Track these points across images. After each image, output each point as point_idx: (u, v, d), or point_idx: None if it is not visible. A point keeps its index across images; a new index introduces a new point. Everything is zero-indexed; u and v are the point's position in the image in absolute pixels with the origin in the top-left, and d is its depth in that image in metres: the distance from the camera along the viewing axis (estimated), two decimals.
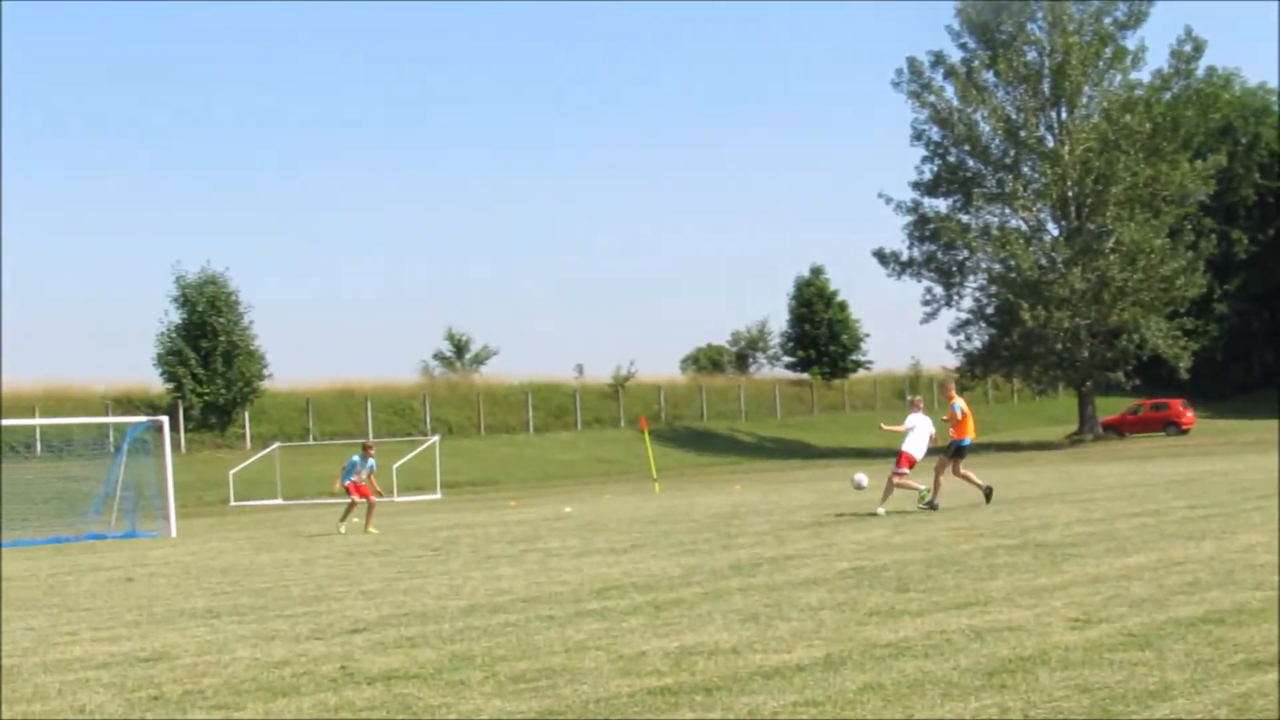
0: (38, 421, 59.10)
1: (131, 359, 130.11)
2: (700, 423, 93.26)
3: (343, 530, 33.95)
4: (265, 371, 75.71)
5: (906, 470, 30.82)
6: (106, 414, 66.79)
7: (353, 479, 34.84)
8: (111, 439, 53.50)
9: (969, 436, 31.01)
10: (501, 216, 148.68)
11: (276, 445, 63.84)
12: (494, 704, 10.83)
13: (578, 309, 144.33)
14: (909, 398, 35.82)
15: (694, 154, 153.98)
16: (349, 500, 34.88)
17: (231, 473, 58.91)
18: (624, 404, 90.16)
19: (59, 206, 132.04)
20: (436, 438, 63.53)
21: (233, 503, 56.03)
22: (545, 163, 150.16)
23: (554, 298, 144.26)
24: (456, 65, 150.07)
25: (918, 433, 31.16)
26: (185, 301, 73.71)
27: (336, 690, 11.72)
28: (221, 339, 72.93)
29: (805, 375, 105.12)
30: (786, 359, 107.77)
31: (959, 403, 31.15)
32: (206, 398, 72.23)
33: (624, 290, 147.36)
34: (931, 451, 31.41)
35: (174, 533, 38.64)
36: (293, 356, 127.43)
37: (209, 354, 72.62)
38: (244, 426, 73.99)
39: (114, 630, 16.51)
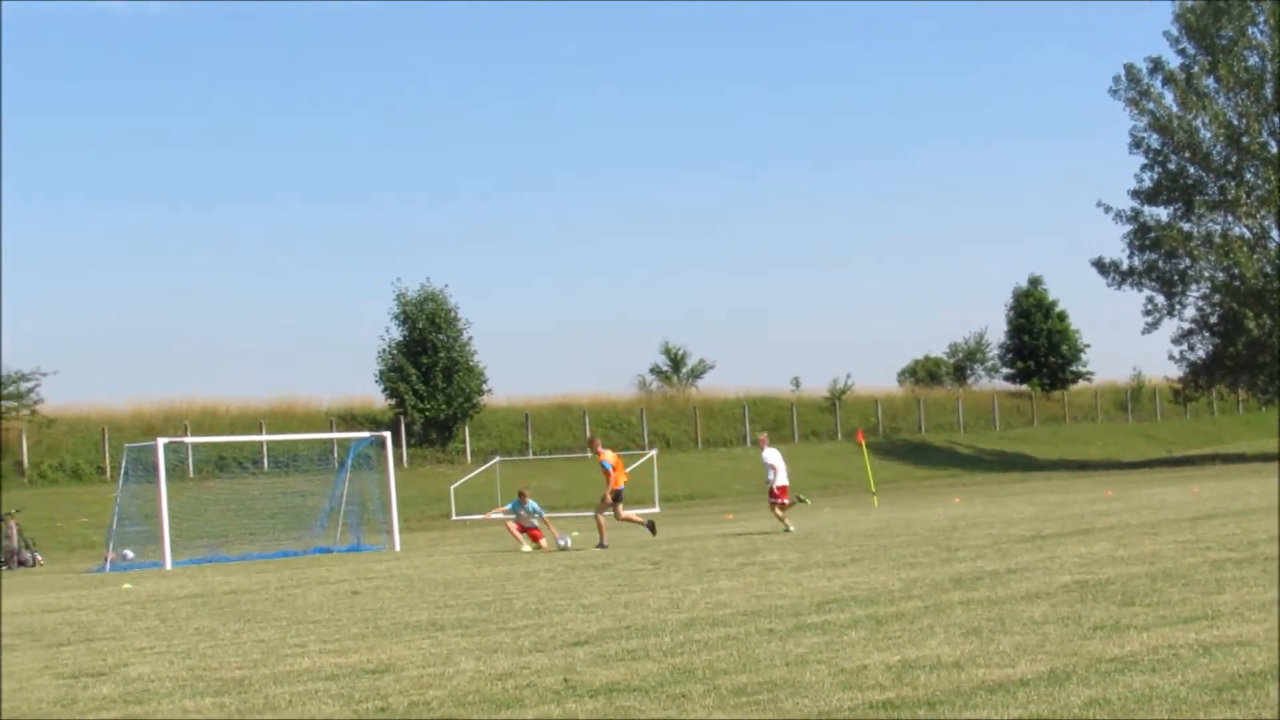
0: (265, 438, 60.16)
1: (354, 375, 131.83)
2: (918, 435, 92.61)
3: (527, 549, 34.09)
4: (485, 387, 76.28)
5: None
6: (331, 430, 67.76)
7: (516, 521, 35.22)
8: (336, 454, 54.34)
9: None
10: (718, 229, 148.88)
11: (497, 459, 64.35)
12: (715, 717, 10.86)
13: (795, 322, 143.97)
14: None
15: (910, 163, 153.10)
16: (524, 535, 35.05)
17: (453, 487, 59.47)
18: (841, 417, 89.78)
19: (283, 226, 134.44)
20: (654, 452, 63.68)
21: (454, 517, 56.58)
22: (760, 175, 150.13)
23: (771, 310, 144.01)
24: (670, 86, 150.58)
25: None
26: (406, 318, 74.53)
27: (559, 702, 11.80)
28: (442, 355, 73.62)
29: (1024, 387, 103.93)
30: (1005, 370, 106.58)
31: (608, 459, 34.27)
32: (428, 413, 72.98)
33: (841, 302, 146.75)
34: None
35: (398, 546, 39.16)
36: (512, 372, 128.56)
37: (430, 370, 73.36)
38: (464, 441, 74.66)
39: (341, 643, 16.76)
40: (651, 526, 34.96)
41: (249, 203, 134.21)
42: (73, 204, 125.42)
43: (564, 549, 33.30)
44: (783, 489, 36.15)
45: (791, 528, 34.71)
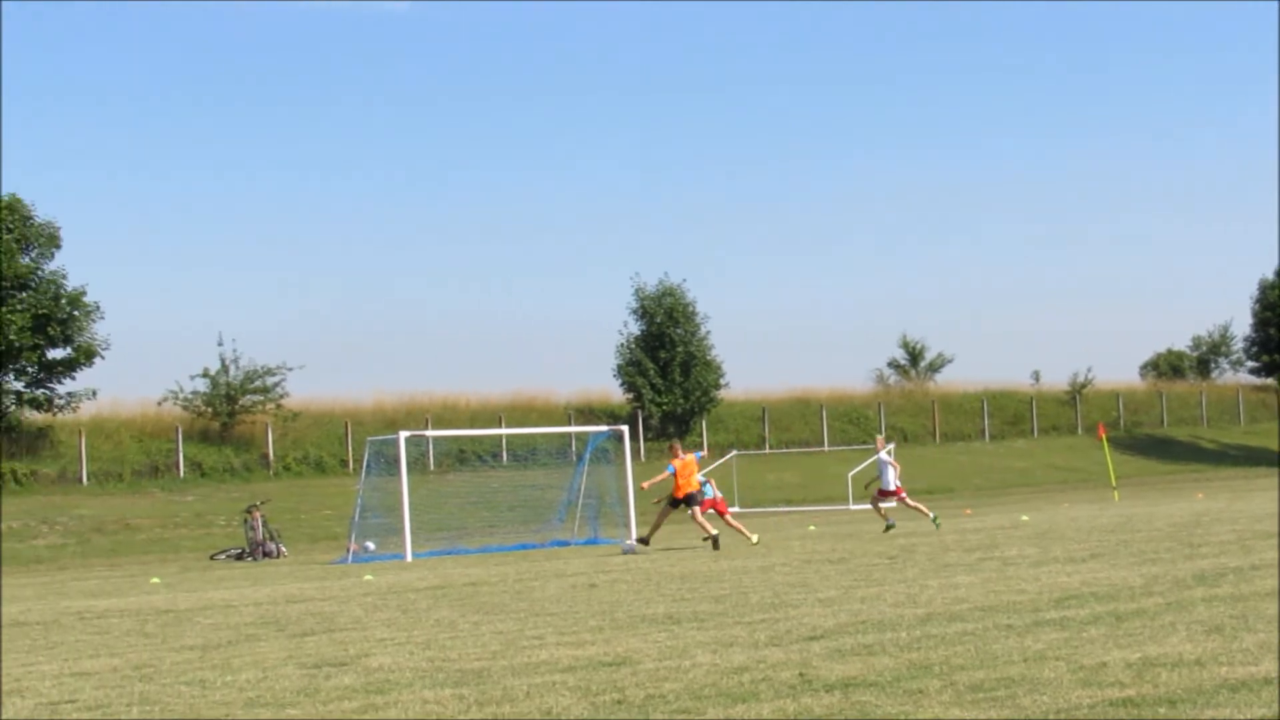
0: (504, 431, 60.79)
1: (593, 369, 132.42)
2: (1160, 429, 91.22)
3: (754, 539, 33.97)
4: (723, 381, 76.44)
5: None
6: (569, 423, 68.30)
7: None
8: (574, 448, 54.74)
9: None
10: (952, 222, 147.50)
11: (734, 453, 64.43)
12: (952, 713, 10.79)
13: (1034, 314, 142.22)
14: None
15: (1154, 152, 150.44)
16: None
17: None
18: (1081, 411, 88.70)
19: (523, 222, 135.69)
20: (891, 445, 63.40)
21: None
22: (996, 161, 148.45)
23: (1011, 303, 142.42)
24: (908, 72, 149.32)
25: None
26: (644, 313, 74.91)
27: (795, 697, 11.79)
28: (679, 349, 73.87)
29: (1270, 380, 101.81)
30: (1250, 364, 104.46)
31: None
32: (665, 407, 73.29)
33: (1082, 295, 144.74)
34: None
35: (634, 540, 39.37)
36: (749, 365, 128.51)
37: (667, 364, 73.65)
38: (702, 435, 74.85)
39: (578, 635, 16.88)
40: (714, 542, 33.70)
41: (494, 198, 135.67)
42: (322, 199, 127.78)
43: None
44: (891, 491, 36.74)
45: (893, 522, 35.52)
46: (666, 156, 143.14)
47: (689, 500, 34.10)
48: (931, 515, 36.45)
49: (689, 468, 34.55)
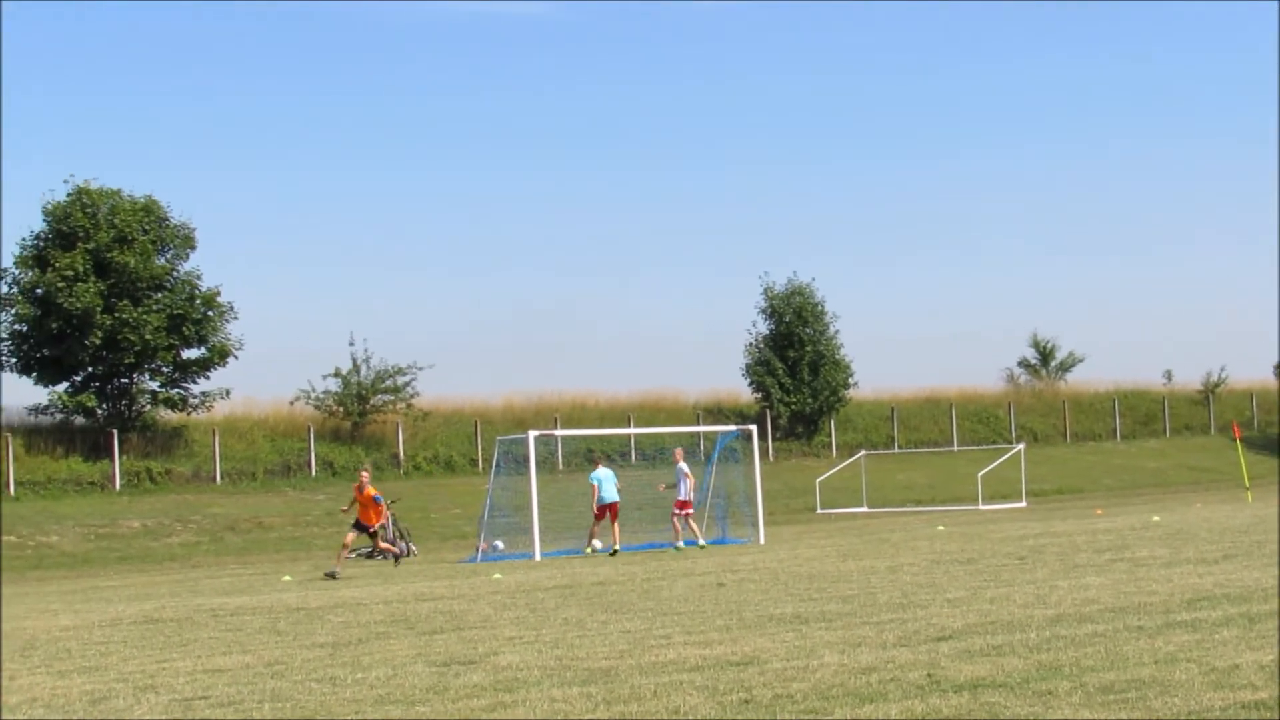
0: (632, 431, 60.89)
1: (721, 369, 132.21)
2: None
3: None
4: (851, 380, 76.20)
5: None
6: (698, 423, 68.32)
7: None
8: (703, 447, 54.75)
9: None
10: (1080, 215, 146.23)
11: (863, 453, 64.25)
12: (1082, 714, 10.73)
13: (1167, 313, 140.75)
14: None
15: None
16: None
17: (818, 480, 59.58)
18: (1215, 410, 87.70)
19: (653, 223, 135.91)
20: (1022, 445, 62.95)
21: (819, 510, 56.64)
22: (1125, 154, 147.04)
23: (1143, 301, 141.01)
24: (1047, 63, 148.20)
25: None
26: (773, 312, 74.79)
27: (923, 697, 11.78)
28: (808, 349, 73.70)
29: None
30: None
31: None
32: (794, 407, 73.15)
33: (1215, 292, 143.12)
34: None
35: (763, 539, 39.32)
36: (878, 365, 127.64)
37: (796, 364, 73.51)
38: (830, 435, 74.67)
39: (706, 634, 16.91)
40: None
41: (619, 201, 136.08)
42: (452, 198, 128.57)
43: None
44: (685, 503, 37.73)
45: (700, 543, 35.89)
46: (796, 154, 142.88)
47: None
48: (698, 542, 36.66)
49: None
